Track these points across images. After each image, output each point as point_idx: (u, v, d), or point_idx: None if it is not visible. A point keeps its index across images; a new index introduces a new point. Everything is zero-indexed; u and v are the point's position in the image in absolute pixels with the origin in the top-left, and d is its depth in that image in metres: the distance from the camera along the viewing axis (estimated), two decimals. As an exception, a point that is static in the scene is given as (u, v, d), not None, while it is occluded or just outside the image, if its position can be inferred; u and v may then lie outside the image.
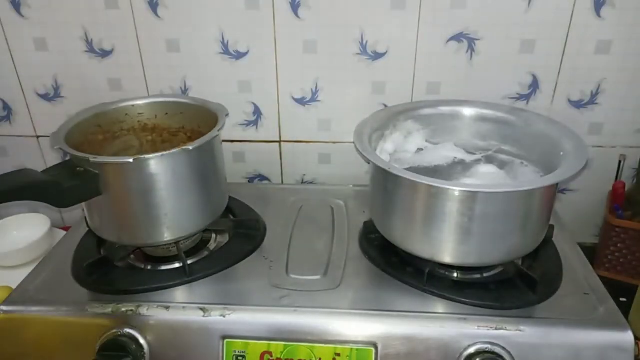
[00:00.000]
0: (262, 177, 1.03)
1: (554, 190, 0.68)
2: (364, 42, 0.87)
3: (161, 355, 0.63)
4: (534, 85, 0.88)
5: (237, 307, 0.64)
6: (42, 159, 1.02)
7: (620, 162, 0.89)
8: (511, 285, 0.67)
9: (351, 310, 0.63)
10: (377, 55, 0.88)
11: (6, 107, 0.98)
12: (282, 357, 0.62)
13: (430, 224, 0.64)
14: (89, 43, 0.91)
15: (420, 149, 0.82)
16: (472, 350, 0.59)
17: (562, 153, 0.68)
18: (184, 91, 0.94)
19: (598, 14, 0.82)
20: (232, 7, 0.86)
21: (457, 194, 0.60)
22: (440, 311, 0.63)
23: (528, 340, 0.59)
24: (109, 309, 0.64)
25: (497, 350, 0.59)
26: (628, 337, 0.59)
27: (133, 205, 0.68)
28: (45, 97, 0.97)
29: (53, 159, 1.02)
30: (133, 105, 0.82)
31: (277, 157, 1.00)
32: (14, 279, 0.71)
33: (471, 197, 0.60)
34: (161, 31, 0.89)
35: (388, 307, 0.64)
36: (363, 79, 0.90)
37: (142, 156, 0.64)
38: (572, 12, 0.82)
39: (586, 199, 0.97)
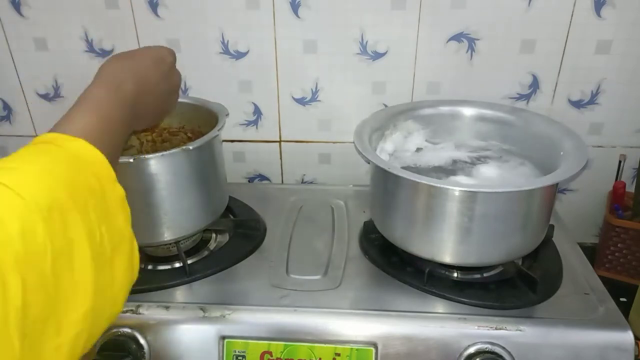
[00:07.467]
0: (262, 177, 1.03)
1: (554, 190, 0.68)
2: (364, 42, 0.87)
3: (161, 355, 0.62)
4: (534, 85, 0.88)
5: (237, 307, 0.64)
6: (42, 159, 1.02)
7: (620, 162, 0.89)
8: (511, 285, 0.67)
9: (351, 310, 0.63)
10: (377, 55, 0.88)
11: (6, 107, 0.98)
12: (282, 357, 0.61)
13: (430, 224, 0.64)
14: (89, 43, 0.91)
15: (420, 149, 0.82)
16: (472, 350, 0.59)
17: (562, 153, 0.68)
18: (184, 91, 0.94)
19: (598, 14, 0.82)
20: (232, 7, 0.86)
21: (457, 194, 0.60)
22: (440, 311, 0.63)
23: (528, 340, 0.59)
24: (109, 308, 0.64)
25: (497, 350, 0.59)
26: (628, 337, 0.59)
27: (133, 205, 0.66)
28: (45, 97, 0.97)
29: (53, 159, 1.01)
30: (133, 105, 0.81)
31: (277, 157, 1.00)
32: (14, 278, 0.71)
33: (471, 197, 0.60)
34: (161, 31, 0.89)
35: (388, 307, 0.64)
36: (363, 78, 0.90)
37: (142, 156, 0.64)
38: (572, 12, 0.82)
39: (586, 199, 0.97)
